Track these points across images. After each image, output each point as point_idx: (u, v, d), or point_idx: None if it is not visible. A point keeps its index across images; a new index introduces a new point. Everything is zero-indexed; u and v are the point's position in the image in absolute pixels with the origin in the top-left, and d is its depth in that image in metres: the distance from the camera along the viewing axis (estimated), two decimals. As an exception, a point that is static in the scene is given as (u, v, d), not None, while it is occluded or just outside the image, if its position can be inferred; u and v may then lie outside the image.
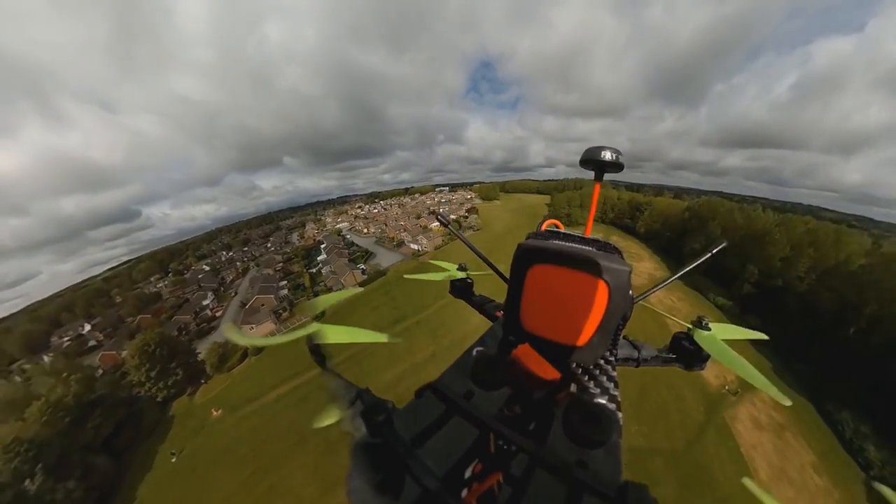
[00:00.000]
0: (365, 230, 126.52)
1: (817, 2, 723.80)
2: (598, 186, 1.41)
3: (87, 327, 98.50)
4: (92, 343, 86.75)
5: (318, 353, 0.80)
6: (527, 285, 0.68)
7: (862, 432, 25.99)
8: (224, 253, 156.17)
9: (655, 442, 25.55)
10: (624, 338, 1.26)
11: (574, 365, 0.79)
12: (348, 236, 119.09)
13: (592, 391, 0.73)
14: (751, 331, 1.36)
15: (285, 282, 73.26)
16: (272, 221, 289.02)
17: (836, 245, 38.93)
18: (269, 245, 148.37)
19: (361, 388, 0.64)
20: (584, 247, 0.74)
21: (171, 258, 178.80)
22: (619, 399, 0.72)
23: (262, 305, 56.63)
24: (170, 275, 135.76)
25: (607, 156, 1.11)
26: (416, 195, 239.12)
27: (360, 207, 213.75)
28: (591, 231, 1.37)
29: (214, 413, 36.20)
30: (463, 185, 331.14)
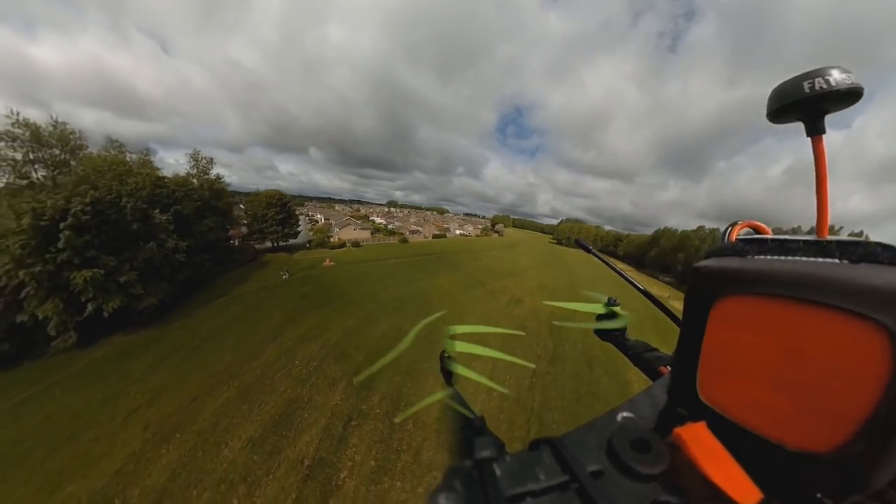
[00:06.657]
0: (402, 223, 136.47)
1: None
2: (822, 143, 0.50)
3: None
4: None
5: (447, 370, 0.83)
6: (710, 331, 0.40)
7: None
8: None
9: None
10: None
11: (808, 489, 0.34)
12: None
13: None
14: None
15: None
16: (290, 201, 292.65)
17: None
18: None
19: (478, 415, 0.58)
20: (823, 259, 0.32)
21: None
22: None
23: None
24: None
25: (835, 79, 0.43)
26: (435, 212, 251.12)
27: (384, 207, 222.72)
28: (826, 231, 0.60)
29: (327, 262, 41.35)
30: (473, 216, 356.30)
